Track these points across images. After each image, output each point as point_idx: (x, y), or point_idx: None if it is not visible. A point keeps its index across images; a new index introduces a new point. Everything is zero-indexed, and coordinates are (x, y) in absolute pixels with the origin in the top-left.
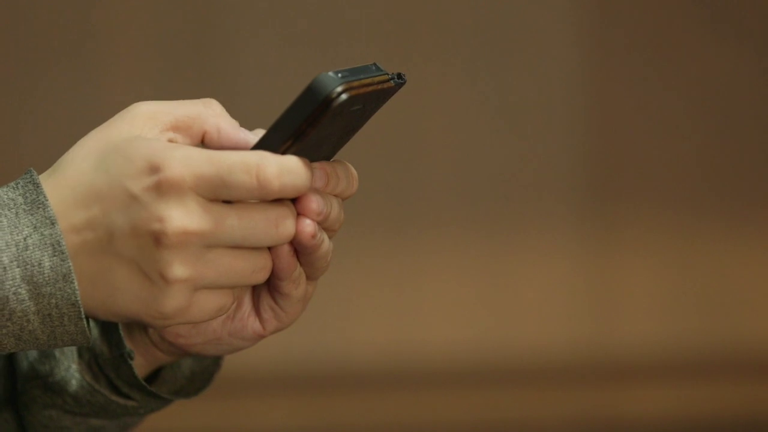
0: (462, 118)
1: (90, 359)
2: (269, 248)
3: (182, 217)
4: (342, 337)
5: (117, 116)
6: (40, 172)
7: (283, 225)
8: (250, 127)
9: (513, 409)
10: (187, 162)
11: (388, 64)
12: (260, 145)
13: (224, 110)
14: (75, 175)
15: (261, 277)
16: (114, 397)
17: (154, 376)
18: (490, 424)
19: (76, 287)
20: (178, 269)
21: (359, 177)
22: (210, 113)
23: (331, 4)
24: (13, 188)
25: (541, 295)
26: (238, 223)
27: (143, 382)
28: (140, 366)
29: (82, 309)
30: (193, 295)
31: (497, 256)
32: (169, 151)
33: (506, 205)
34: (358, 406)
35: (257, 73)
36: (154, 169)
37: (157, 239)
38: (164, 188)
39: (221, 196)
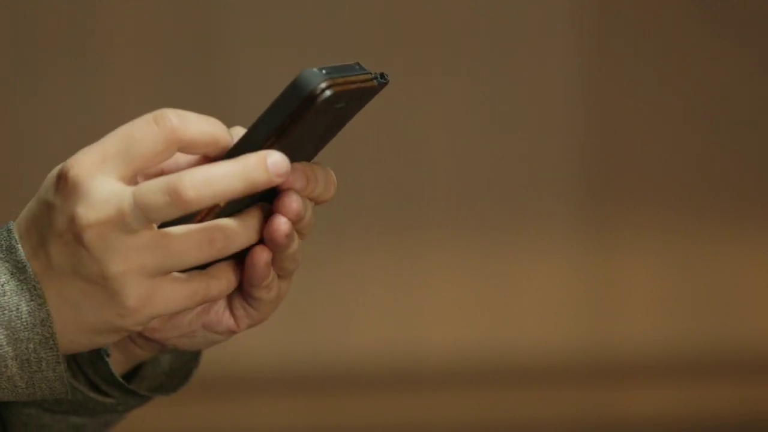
0: (462, 118)
1: (68, 357)
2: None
3: (86, 210)
4: (342, 337)
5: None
6: (39, 174)
7: (174, 193)
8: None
9: (513, 409)
10: (85, 153)
11: (389, 65)
12: (242, 143)
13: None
14: (23, 213)
15: (215, 251)
16: (92, 395)
17: (133, 373)
18: (490, 424)
19: (54, 331)
20: (111, 263)
21: (359, 177)
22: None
23: (331, 5)
24: None
25: (541, 295)
26: (134, 201)
27: (121, 380)
28: (119, 363)
29: (59, 353)
30: (148, 283)
31: (497, 257)
32: (78, 153)
33: (506, 205)
34: (358, 406)
35: (257, 73)
36: (62, 173)
37: (78, 239)
38: (69, 188)
39: (126, 171)
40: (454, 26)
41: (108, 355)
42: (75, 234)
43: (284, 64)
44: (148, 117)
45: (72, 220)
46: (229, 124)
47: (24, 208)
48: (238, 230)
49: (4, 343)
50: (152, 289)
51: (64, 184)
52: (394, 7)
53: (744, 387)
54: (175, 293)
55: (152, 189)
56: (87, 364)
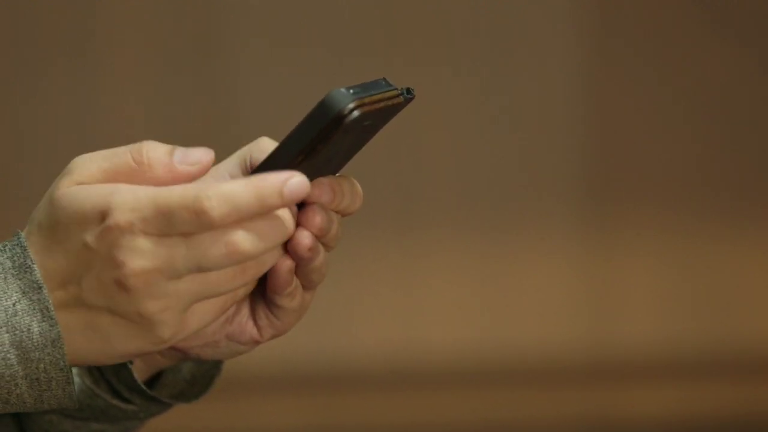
0: (462, 118)
1: None
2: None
3: (136, 258)
4: (343, 337)
5: (60, 175)
6: (39, 174)
7: (232, 245)
8: (253, 130)
9: (513, 409)
10: (131, 206)
11: (389, 65)
12: (270, 161)
13: (157, 151)
14: (38, 245)
15: (248, 276)
16: (114, 401)
17: (155, 379)
18: (491, 424)
19: (65, 352)
20: (151, 306)
21: (359, 177)
22: (142, 169)
23: (332, 5)
24: (1, 251)
25: (541, 295)
26: (188, 252)
27: (143, 386)
28: (141, 370)
29: (70, 374)
30: (183, 315)
31: (498, 257)
32: (115, 195)
33: (506, 205)
34: (359, 406)
35: (257, 73)
36: (102, 216)
37: (121, 284)
38: (115, 233)
39: (170, 232)
40: (454, 26)
41: (131, 362)
42: (118, 280)
43: (284, 64)
44: (188, 198)
45: (118, 266)
46: (230, 124)
47: (36, 219)
48: (268, 254)
49: (15, 362)
50: (184, 319)
51: (108, 230)
52: (394, 7)
53: (744, 387)
54: (207, 313)
55: (211, 252)
56: (110, 372)
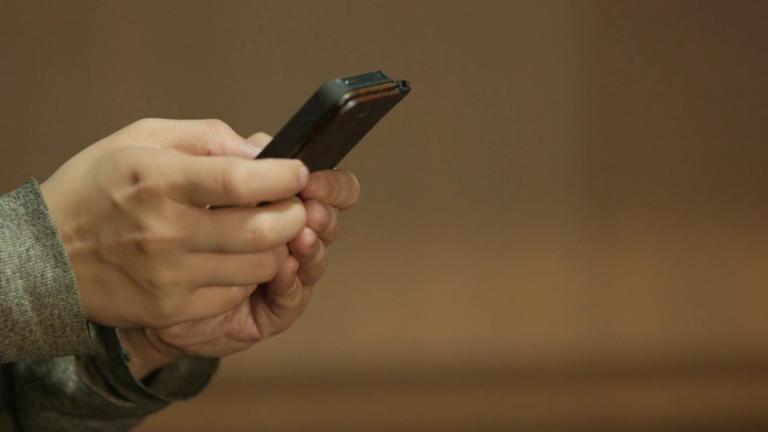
0: (462, 118)
1: (87, 361)
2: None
3: (160, 224)
4: (342, 337)
5: (122, 129)
6: (40, 173)
7: (258, 233)
8: (250, 129)
9: (513, 409)
10: (163, 170)
11: (388, 65)
12: (266, 153)
13: (230, 129)
14: (68, 183)
15: (262, 274)
16: (111, 399)
17: (152, 377)
18: (490, 424)
19: (79, 298)
20: (163, 274)
21: (359, 177)
22: (214, 133)
23: (331, 4)
24: (15, 198)
25: (541, 295)
26: (212, 229)
27: (140, 384)
28: (138, 367)
29: (84, 319)
30: (189, 295)
31: (497, 257)
32: (150, 158)
33: (506, 205)
34: (358, 406)
35: (257, 73)
36: (135, 177)
37: (139, 247)
38: (143, 197)
39: (196, 201)
40: (455, 26)
41: (128, 360)
42: (138, 242)
43: (284, 63)
44: (217, 169)
45: (141, 229)
46: (229, 123)
47: (64, 175)
48: (283, 253)
49: (29, 308)
50: (188, 299)
51: (138, 192)
52: (394, 6)
53: (744, 387)
54: (210, 303)
55: (235, 235)
56: (106, 369)
